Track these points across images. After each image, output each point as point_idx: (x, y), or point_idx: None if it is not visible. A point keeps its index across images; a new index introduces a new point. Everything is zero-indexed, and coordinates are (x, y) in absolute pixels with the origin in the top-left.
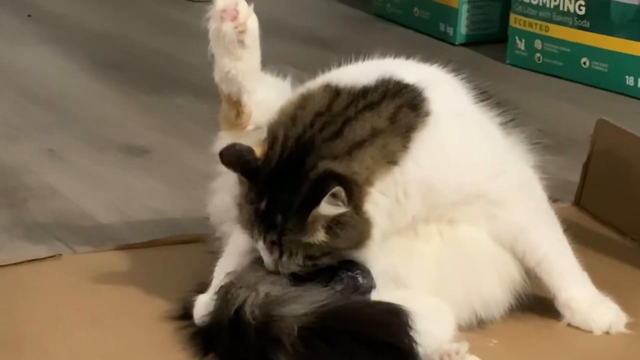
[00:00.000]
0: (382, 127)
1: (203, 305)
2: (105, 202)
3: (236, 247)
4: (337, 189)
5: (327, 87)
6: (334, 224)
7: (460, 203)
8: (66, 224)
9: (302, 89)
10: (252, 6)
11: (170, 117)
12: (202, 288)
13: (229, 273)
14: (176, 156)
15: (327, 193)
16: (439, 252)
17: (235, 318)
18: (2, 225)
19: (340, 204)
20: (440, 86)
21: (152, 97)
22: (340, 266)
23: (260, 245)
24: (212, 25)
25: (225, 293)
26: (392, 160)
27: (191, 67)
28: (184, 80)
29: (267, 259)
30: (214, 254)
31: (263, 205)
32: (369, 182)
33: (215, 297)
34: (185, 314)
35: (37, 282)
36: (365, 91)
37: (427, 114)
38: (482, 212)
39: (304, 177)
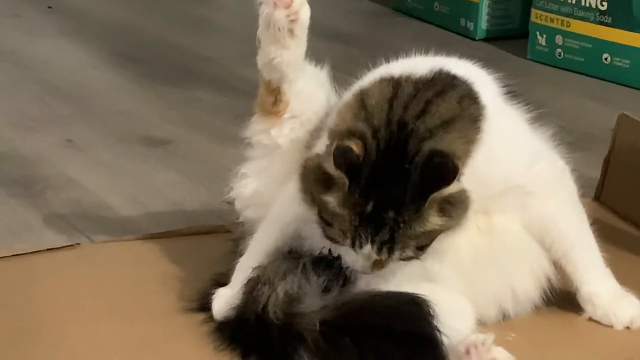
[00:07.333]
0: (457, 112)
1: (225, 300)
2: (123, 193)
3: (260, 247)
4: (456, 164)
5: (383, 80)
6: (446, 205)
7: (498, 193)
8: (84, 214)
9: (350, 91)
10: None
11: (189, 109)
12: (220, 279)
13: (255, 268)
14: (195, 148)
15: (452, 174)
16: (476, 245)
17: (262, 315)
18: (20, 215)
19: (457, 181)
20: (483, 81)
21: (171, 89)
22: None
23: (366, 250)
24: (264, 11)
25: (252, 288)
26: (469, 150)
27: (210, 60)
28: (203, 73)
29: (364, 263)
30: (233, 243)
31: (370, 206)
32: (461, 159)
33: (243, 291)
34: (203, 306)
35: (55, 270)
36: (426, 81)
37: (484, 106)
38: (515, 202)
39: (410, 164)
